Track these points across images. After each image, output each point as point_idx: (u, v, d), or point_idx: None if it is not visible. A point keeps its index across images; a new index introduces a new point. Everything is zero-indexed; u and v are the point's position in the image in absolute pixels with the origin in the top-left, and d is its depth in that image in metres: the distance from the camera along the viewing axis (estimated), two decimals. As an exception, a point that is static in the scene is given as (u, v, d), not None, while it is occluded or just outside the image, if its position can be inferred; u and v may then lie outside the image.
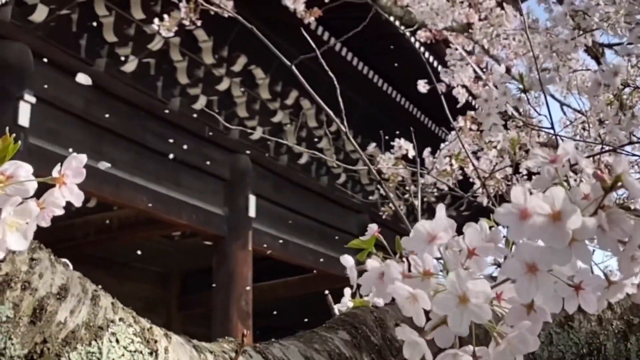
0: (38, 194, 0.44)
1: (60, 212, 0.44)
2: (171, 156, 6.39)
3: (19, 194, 0.41)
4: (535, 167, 0.52)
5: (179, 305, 9.43)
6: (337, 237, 8.55)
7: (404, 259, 0.62)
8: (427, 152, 2.71)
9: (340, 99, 1.04)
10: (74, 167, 0.44)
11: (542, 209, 0.44)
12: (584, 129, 2.64)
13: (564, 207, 0.44)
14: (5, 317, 0.40)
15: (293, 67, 0.98)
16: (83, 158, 0.45)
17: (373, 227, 0.70)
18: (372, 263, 0.64)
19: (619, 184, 0.46)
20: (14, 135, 0.42)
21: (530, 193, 0.46)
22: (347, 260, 0.69)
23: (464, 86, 3.47)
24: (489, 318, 0.49)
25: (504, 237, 0.68)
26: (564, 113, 3.74)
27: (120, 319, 0.46)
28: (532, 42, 2.69)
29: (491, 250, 0.56)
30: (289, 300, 9.44)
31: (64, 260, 0.45)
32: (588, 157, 1.15)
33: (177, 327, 8.84)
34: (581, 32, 1.58)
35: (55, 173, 0.44)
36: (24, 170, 0.41)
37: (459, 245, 0.58)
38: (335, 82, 1.06)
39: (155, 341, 0.47)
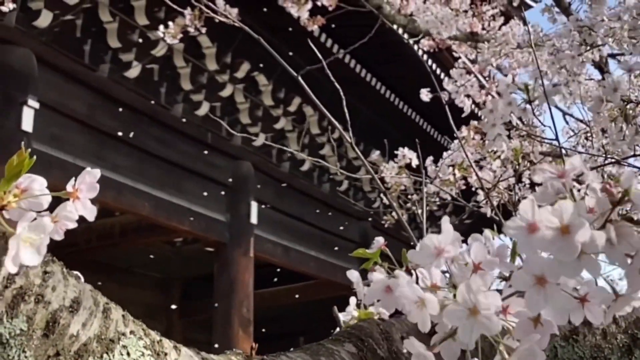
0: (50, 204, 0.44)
1: (73, 226, 0.44)
2: (173, 162, 6.40)
3: (33, 207, 0.41)
4: (542, 181, 0.52)
5: (180, 311, 9.42)
6: (338, 245, 8.55)
7: (411, 271, 0.63)
8: (429, 160, 2.71)
9: (346, 110, 1.05)
10: (87, 181, 0.44)
11: (551, 223, 0.45)
12: (586, 138, 2.65)
13: (573, 221, 0.44)
14: (19, 330, 0.40)
15: (299, 78, 0.98)
16: (97, 173, 0.46)
17: (380, 240, 0.70)
18: (378, 276, 0.64)
19: (627, 198, 0.46)
20: (29, 150, 0.42)
21: (539, 206, 0.47)
22: (353, 274, 0.69)
23: (467, 95, 3.48)
24: (499, 330, 0.49)
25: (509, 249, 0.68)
26: (567, 122, 3.74)
27: (131, 332, 0.46)
28: (538, 56, 2.70)
29: (496, 264, 0.56)
30: (290, 307, 9.43)
31: (75, 272, 0.46)
32: (592, 169, 1.16)
33: (178, 334, 8.84)
34: (588, 48, 1.59)
35: (69, 187, 0.44)
36: (38, 184, 0.42)
37: (465, 259, 0.58)
38: (341, 93, 1.06)
39: (165, 354, 0.48)
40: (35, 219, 0.40)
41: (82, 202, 0.44)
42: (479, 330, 0.48)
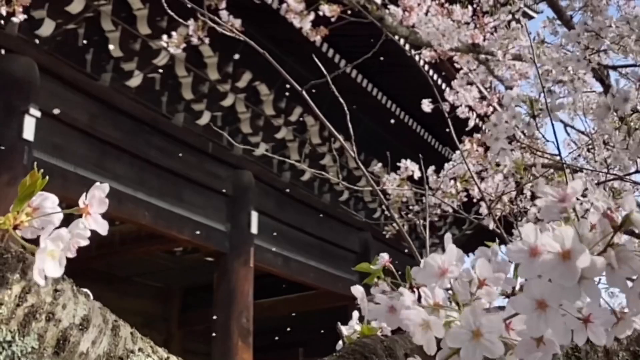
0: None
1: (85, 243, 0.45)
2: (174, 171, 6.40)
3: (45, 226, 0.41)
4: (543, 205, 0.53)
5: (179, 321, 9.40)
6: (338, 255, 8.55)
7: (415, 289, 0.63)
8: (430, 170, 2.72)
9: (349, 124, 1.05)
10: (97, 197, 0.45)
11: (552, 248, 0.46)
12: (588, 150, 2.65)
13: (574, 247, 0.45)
14: (31, 347, 0.41)
15: (303, 92, 0.99)
16: (106, 187, 0.46)
17: (384, 257, 0.71)
18: (382, 296, 0.65)
19: (628, 223, 0.47)
20: (41, 171, 0.43)
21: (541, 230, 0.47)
22: (358, 290, 0.70)
23: (468, 106, 3.49)
24: (501, 353, 0.49)
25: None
26: (568, 134, 3.75)
27: (140, 349, 0.46)
28: (540, 65, 2.71)
29: (501, 281, 0.56)
30: (289, 317, 9.42)
31: (85, 290, 0.46)
32: (596, 184, 1.16)
33: (177, 344, 8.82)
34: (592, 53, 1.59)
35: (80, 203, 0.45)
36: (50, 202, 0.42)
37: (469, 276, 0.59)
38: (345, 107, 1.07)
39: (173, 371, 0.48)
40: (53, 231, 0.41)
41: (94, 218, 0.45)
42: (482, 352, 0.48)
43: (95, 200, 0.45)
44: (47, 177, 0.43)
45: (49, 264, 0.41)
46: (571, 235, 0.45)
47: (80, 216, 0.44)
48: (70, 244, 0.44)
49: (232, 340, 6.64)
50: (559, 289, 0.46)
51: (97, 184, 0.46)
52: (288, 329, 9.13)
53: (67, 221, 0.45)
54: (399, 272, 0.71)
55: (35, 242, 0.42)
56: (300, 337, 9.47)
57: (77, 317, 0.44)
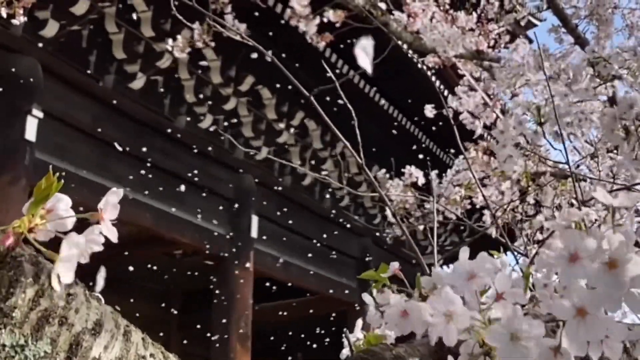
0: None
1: (99, 249, 0.44)
2: (176, 174, 6.40)
3: (59, 229, 0.41)
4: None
5: (178, 324, 9.38)
6: (338, 260, 8.54)
7: (425, 297, 0.63)
8: (433, 175, 2.71)
9: (357, 131, 1.05)
10: (111, 203, 0.44)
11: (597, 255, 0.45)
12: (592, 158, 2.65)
13: (621, 255, 0.44)
14: (44, 352, 0.40)
15: (312, 99, 0.98)
16: (121, 193, 0.45)
17: (394, 265, 0.70)
18: (394, 299, 0.64)
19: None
20: (57, 174, 0.42)
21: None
22: (368, 298, 0.69)
23: (471, 113, 3.48)
24: (535, 360, 0.49)
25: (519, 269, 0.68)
26: (570, 141, 3.74)
27: (151, 355, 0.46)
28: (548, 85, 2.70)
29: (519, 296, 0.56)
30: (289, 322, 9.40)
31: (96, 294, 0.46)
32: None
33: (176, 346, 8.80)
34: (602, 82, 1.58)
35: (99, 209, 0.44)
36: (64, 204, 0.42)
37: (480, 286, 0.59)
38: (353, 114, 1.06)
39: (184, 377, 0.47)
40: (71, 237, 0.40)
41: (106, 224, 0.44)
42: (516, 356, 0.48)
43: (110, 206, 0.44)
44: (62, 181, 0.42)
45: (62, 269, 0.40)
46: (617, 242, 0.45)
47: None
48: (85, 249, 0.43)
49: (231, 344, 6.63)
50: (602, 297, 0.45)
51: (113, 189, 0.45)
52: (287, 334, 9.12)
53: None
54: (399, 279, 0.71)
55: (47, 244, 0.42)
56: (299, 342, 9.45)
57: (90, 321, 0.43)
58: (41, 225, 0.41)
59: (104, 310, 0.45)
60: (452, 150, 7.06)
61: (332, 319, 8.56)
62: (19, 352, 0.39)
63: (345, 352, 0.88)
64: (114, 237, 0.45)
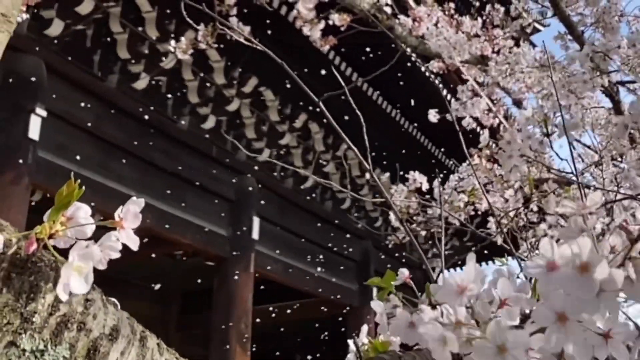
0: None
1: (116, 255, 0.45)
2: (177, 174, 6.40)
3: (79, 236, 0.41)
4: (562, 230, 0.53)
5: (177, 324, 9.39)
6: (339, 263, 8.53)
7: (436, 306, 0.63)
8: (436, 182, 2.72)
9: (365, 137, 1.05)
10: (132, 211, 0.45)
11: (569, 260, 0.46)
12: (596, 165, 2.64)
13: (591, 258, 0.45)
14: (62, 357, 0.41)
15: (320, 104, 0.99)
16: (141, 202, 0.46)
17: (404, 272, 0.70)
18: (401, 311, 0.65)
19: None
20: (78, 181, 0.43)
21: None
22: (378, 305, 0.69)
23: (474, 118, 3.48)
24: (526, 370, 0.49)
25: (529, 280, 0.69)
26: (574, 148, 3.74)
27: (166, 360, 0.46)
28: (548, 80, 2.70)
29: (523, 301, 0.57)
30: (288, 324, 9.40)
31: (113, 300, 0.46)
32: (606, 203, 1.16)
33: (175, 347, 8.78)
34: (598, 74, 1.59)
35: (116, 216, 0.44)
36: (83, 212, 0.42)
37: (489, 296, 0.59)
38: (362, 120, 1.07)
39: (198, 383, 0.48)
40: (86, 247, 0.41)
41: (127, 232, 0.44)
42: None
43: (130, 215, 0.45)
44: (83, 188, 0.43)
45: (75, 279, 0.40)
46: (589, 247, 0.45)
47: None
48: (102, 256, 0.43)
49: (230, 346, 6.63)
50: (579, 302, 0.46)
51: (133, 198, 0.45)
52: (286, 336, 9.12)
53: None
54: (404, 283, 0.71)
55: (68, 251, 0.42)
56: (298, 344, 9.45)
57: (107, 327, 0.44)
58: (61, 232, 0.41)
59: (121, 316, 0.45)
60: (453, 156, 7.07)
61: (332, 321, 8.56)
62: (38, 357, 0.39)
63: (351, 357, 0.87)
64: (134, 245, 0.45)
